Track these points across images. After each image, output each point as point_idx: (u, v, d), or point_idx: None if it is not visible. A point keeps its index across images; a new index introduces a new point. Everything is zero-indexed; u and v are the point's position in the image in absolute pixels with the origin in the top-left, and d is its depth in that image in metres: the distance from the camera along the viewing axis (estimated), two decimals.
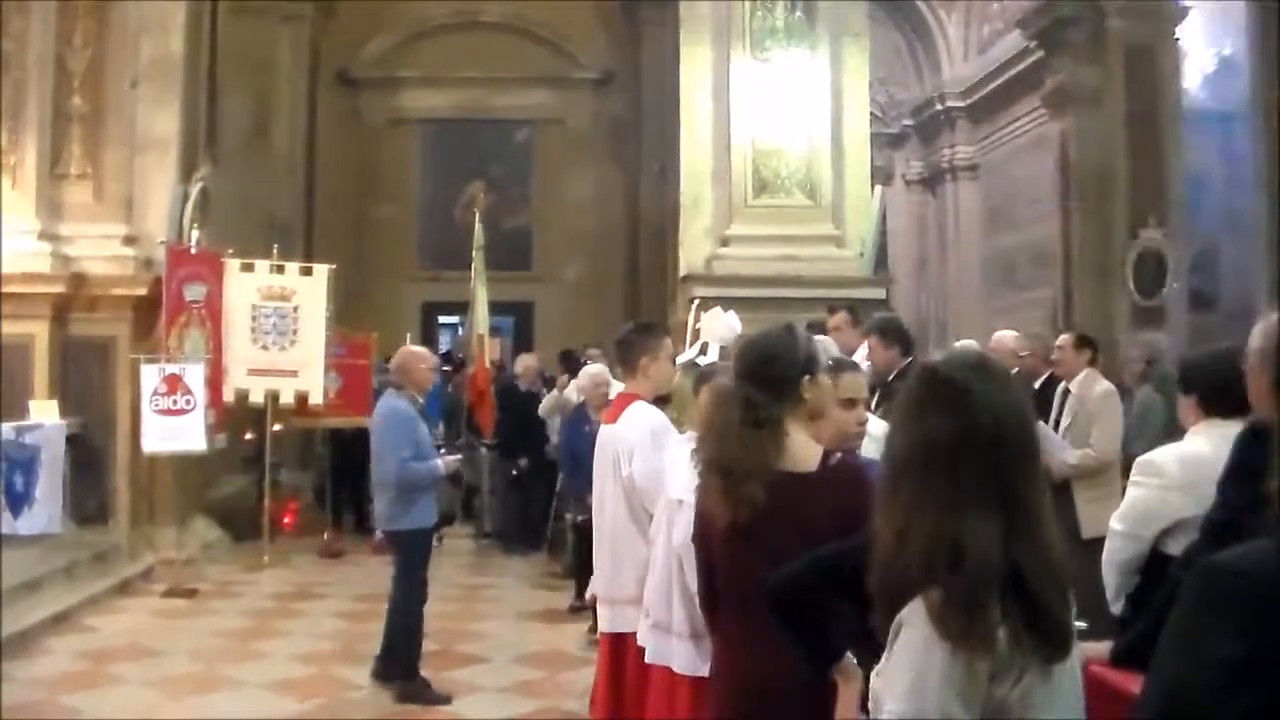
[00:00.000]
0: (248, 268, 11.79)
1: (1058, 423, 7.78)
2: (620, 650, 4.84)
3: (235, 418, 11.97)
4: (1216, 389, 3.81)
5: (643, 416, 5.06)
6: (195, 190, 11.35)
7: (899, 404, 2.20)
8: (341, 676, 7.56)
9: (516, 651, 8.28)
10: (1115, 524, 4.01)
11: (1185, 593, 1.38)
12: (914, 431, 2.07)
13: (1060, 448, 7.51)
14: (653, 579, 4.30)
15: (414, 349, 8.02)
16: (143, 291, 10.91)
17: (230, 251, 11.74)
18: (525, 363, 13.21)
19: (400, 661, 7.16)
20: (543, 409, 12.00)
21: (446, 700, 7.04)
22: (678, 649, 4.05)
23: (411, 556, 7.24)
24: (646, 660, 4.23)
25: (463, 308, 14.69)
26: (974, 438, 1.99)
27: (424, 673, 7.20)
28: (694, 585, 3.47)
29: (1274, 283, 13.11)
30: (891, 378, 6.01)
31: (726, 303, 10.64)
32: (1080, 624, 4.21)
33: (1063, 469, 7.49)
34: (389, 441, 7.13)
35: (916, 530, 1.98)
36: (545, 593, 10.39)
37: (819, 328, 7.23)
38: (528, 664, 7.96)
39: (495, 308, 14.37)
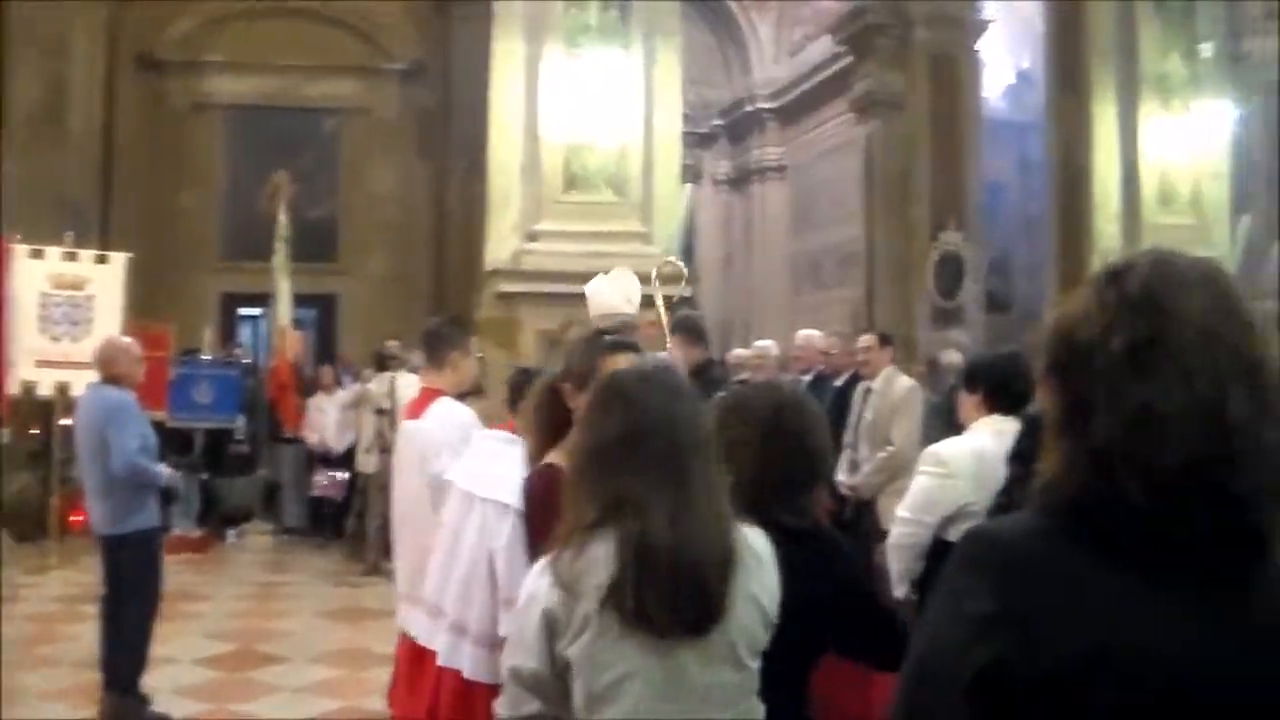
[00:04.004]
0: (37, 254, 11.31)
1: (859, 419, 7.97)
2: (421, 649, 4.76)
3: (20, 411, 11.50)
4: (998, 387, 4.14)
5: (451, 413, 5.00)
6: None
7: (586, 406, 2.50)
8: None
9: (317, 650, 8.14)
10: (901, 511, 4.26)
11: (951, 557, 1.49)
12: (592, 430, 2.35)
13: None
14: (454, 577, 4.20)
15: (119, 339, 7.15)
16: None
17: (18, 237, 11.27)
18: None
19: (122, 675, 6.48)
20: (342, 401, 11.85)
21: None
22: (469, 653, 3.98)
23: (143, 560, 6.60)
24: (440, 663, 4.10)
25: (264, 299, 14.39)
26: (640, 435, 2.25)
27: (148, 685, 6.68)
28: (507, 591, 3.44)
29: (1060, 286, 13.65)
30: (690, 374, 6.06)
31: (534, 298, 10.65)
32: None
33: (872, 483, 7.69)
34: (121, 434, 6.45)
35: (590, 511, 2.23)
36: (345, 590, 10.29)
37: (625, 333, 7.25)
38: (328, 663, 7.83)
39: (299, 300, 14.11)
